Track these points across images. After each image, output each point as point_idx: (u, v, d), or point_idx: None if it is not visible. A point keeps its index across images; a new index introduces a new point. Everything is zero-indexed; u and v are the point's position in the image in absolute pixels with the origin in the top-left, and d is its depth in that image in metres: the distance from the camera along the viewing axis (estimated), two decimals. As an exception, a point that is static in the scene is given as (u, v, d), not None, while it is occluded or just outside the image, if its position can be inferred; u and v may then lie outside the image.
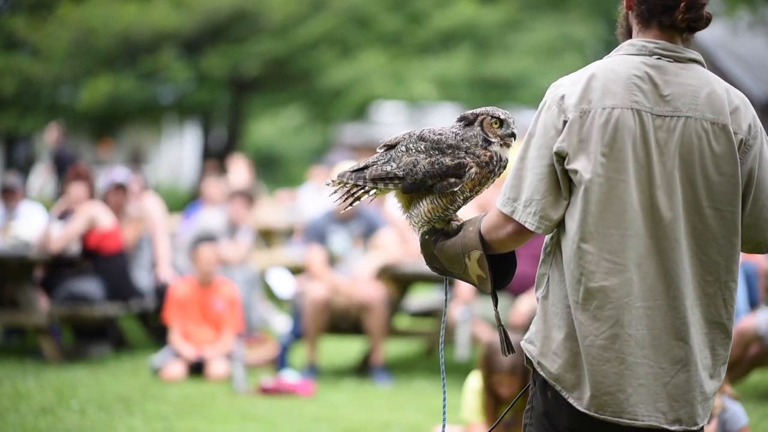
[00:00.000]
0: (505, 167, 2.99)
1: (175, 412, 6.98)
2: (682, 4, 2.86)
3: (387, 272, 8.38)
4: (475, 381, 5.50)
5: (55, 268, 9.19)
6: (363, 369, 8.44)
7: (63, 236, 8.76)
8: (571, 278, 2.81)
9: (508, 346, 3.02)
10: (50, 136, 17.35)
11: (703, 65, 2.92)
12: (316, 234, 8.41)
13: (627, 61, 2.86)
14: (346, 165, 8.35)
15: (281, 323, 10.38)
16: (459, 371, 7.86)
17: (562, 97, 2.82)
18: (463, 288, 8.01)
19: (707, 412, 2.90)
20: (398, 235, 8.49)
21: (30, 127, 22.30)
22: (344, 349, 9.54)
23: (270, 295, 12.13)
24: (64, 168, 16.63)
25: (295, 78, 22.98)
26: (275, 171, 40.18)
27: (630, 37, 2.95)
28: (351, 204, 3.07)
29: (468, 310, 7.94)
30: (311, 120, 27.74)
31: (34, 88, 20.85)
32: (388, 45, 22.82)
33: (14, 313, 8.71)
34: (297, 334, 8.52)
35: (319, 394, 7.66)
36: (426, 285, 9.54)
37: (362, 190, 3.06)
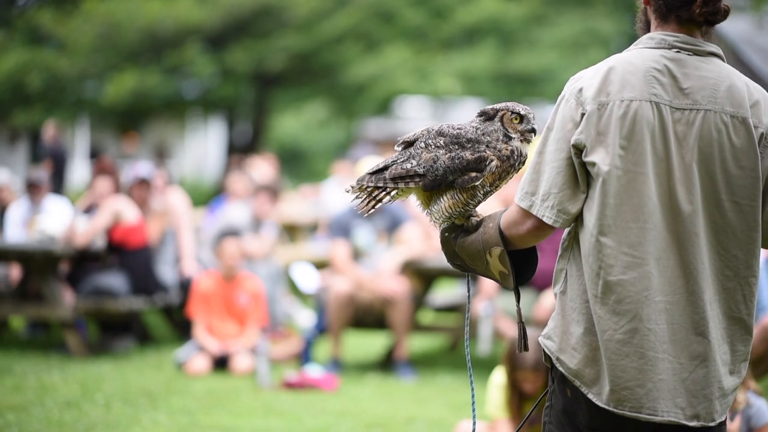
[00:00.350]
0: (524, 162, 2.97)
1: (199, 406, 6.99)
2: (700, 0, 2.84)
3: (411, 267, 8.37)
4: (499, 377, 5.49)
5: (80, 263, 9.23)
6: (387, 364, 8.43)
7: (88, 230, 8.79)
8: (589, 272, 2.79)
9: (524, 343, 3.01)
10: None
11: (722, 59, 2.90)
12: (341, 228, 8.41)
13: (646, 54, 2.84)
14: (369, 160, 8.37)
15: (305, 318, 10.39)
16: (482, 366, 7.85)
17: (580, 90, 2.81)
18: (487, 283, 8.00)
19: (725, 408, 2.87)
20: (422, 229, 8.48)
21: (56, 123, 22.40)
22: (368, 344, 9.54)
23: (294, 289, 12.15)
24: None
25: (319, 73, 23.03)
26: (299, 166, 40.23)
27: (648, 31, 2.93)
28: (373, 207, 3.05)
29: (491, 305, 7.92)
30: (335, 115, 27.78)
31: (60, 84, 20.96)
32: (413, 40, 22.82)
33: (39, 307, 8.74)
34: (321, 329, 8.52)
35: (342, 388, 7.66)
36: (450, 280, 9.52)
37: (383, 192, 3.03)
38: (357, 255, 8.43)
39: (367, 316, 8.36)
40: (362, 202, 3.05)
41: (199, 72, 20.91)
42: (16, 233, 9.78)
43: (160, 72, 20.97)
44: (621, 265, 2.77)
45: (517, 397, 5.35)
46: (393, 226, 8.46)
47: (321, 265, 12.42)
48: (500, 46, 22.70)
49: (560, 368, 2.87)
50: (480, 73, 22.18)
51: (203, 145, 38.53)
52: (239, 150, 23.38)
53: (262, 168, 12.87)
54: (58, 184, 16.04)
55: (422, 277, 8.48)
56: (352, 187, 3.07)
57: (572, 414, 2.89)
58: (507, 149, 2.94)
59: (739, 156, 2.80)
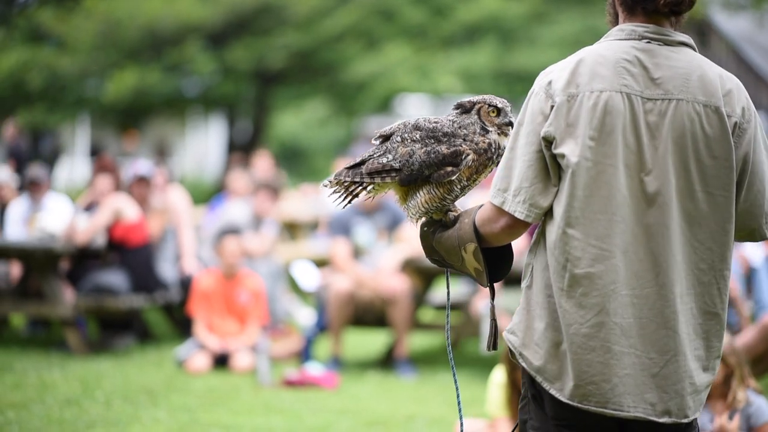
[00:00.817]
0: (502, 155, 2.94)
1: (199, 403, 7.00)
2: None
3: (411, 265, 8.37)
4: (499, 375, 5.49)
5: (81, 260, 9.23)
6: (387, 362, 8.44)
7: (89, 228, 8.79)
8: (556, 264, 2.76)
9: (494, 341, 2.97)
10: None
11: (694, 48, 2.86)
12: (341, 226, 8.41)
13: (616, 45, 2.81)
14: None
15: (305, 316, 10.39)
16: (483, 365, 7.85)
17: (550, 83, 2.78)
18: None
19: (699, 405, 2.83)
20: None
21: (56, 121, 22.41)
22: (368, 342, 9.55)
23: (294, 287, 12.14)
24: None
25: (319, 71, 23.02)
26: (299, 163, 40.22)
27: (617, 23, 2.90)
28: (349, 201, 3.05)
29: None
30: (335, 113, 27.77)
31: (61, 82, 20.96)
32: (413, 38, 22.82)
33: (40, 305, 8.75)
34: (321, 327, 8.53)
35: (343, 386, 7.67)
36: (451, 278, 9.52)
37: (360, 187, 3.03)
38: (357, 253, 8.43)
39: (368, 314, 8.37)
40: (339, 196, 3.06)
41: (199, 70, 20.91)
42: (16, 231, 9.78)
43: (161, 70, 20.97)
44: (588, 257, 2.73)
45: (517, 395, 5.34)
46: (393, 224, 8.46)
47: (321, 263, 12.43)
48: (501, 44, 22.70)
49: (523, 364, 2.83)
50: (480, 71, 22.18)
51: (203, 143, 38.54)
52: (240, 148, 23.38)
53: (262, 165, 12.86)
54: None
55: (422, 275, 8.48)
56: (330, 181, 3.06)
57: (540, 406, 2.86)
58: (484, 142, 2.92)
59: (712, 146, 2.77)
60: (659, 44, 2.81)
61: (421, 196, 2.94)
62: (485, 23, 22.62)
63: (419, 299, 8.49)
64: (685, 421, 2.81)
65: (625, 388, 2.75)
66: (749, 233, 2.87)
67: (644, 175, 2.74)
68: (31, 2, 22.47)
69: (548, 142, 2.75)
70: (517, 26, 22.89)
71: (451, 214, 2.98)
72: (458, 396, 3.18)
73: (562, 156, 2.73)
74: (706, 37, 23.98)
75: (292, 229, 13.01)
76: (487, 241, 2.87)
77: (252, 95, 23.07)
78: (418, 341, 9.60)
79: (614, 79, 2.75)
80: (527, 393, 2.89)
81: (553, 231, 2.76)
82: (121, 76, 20.07)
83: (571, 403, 2.77)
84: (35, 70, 20.31)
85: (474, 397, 7.10)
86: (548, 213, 2.78)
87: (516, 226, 2.80)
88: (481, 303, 7.98)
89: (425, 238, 3.03)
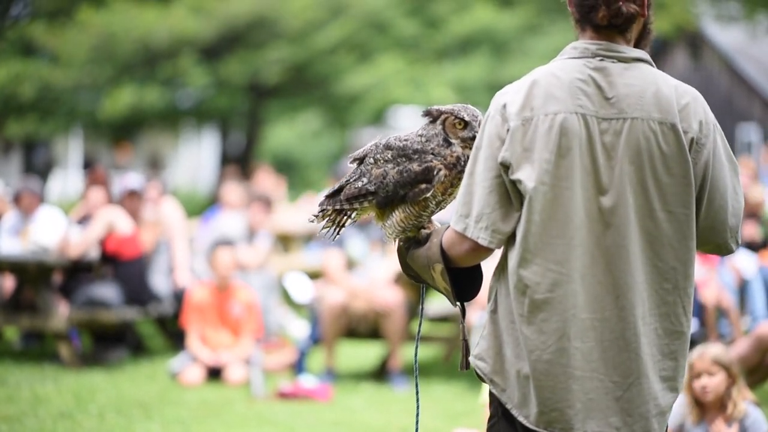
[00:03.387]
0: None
1: (193, 416, 7.00)
2: (601, 3, 2.79)
3: (405, 277, 8.37)
4: None
5: (74, 273, 9.23)
6: (381, 374, 8.45)
7: (82, 241, 8.80)
8: (515, 290, 2.74)
9: (466, 361, 2.95)
10: None
11: (650, 64, 2.83)
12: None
13: (570, 65, 2.78)
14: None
15: (299, 328, 10.40)
16: (476, 377, 7.85)
17: (504, 106, 2.75)
18: (481, 294, 8.01)
19: (663, 426, 2.80)
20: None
21: (48, 133, 22.42)
22: (362, 354, 9.56)
23: (288, 300, 12.14)
24: None
25: (313, 83, 23.06)
26: (293, 176, 40.20)
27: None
28: (338, 232, 3.04)
29: (485, 315, 7.93)
30: (329, 125, 27.81)
31: (53, 94, 20.97)
32: (406, 50, 22.89)
33: (33, 318, 8.74)
34: (315, 339, 8.53)
35: (337, 398, 7.68)
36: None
37: (345, 216, 3.02)
38: (350, 265, 8.44)
39: (361, 326, 8.38)
40: (326, 228, 3.05)
41: (193, 83, 20.95)
42: (8, 244, 9.77)
43: (155, 84, 21.01)
44: (547, 282, 2.71)
45: None
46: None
47: (315, 276, 12.43)
48: (494, 56, 22.78)
49: (494, 390, 2.81)
50: (473, 83, 22.26)
51: (197, 156, 38.58)
52: (233, 160, 23.41)
53: (262, 178, 12.87)
54: None
55: (416, 287, 8.49)
56: (316, 216, 3.05)
57: (512, 424, 2.84)
58: (452, 156, 2.89)
59: (669, 163, 2.74)
60: (612, 61, 2.78)
61: (397, 215, 2.92)
62: (478, 35, 22.71)
63: (413, 311, 8.50)
64: None
65: (589, 413, 2.73)
66: (715, 248, 2.85)
67: (601, 196, 2.71)
68: (23, 16, 22.50)
69: (505, 167, 2.71)
70: (510, 38, 22.97)
71: (424, 232, 2.95)
72: (418, 408, 3.19)
73: (519, 182, 2.70)
74: (698, 50, 24.06)
75: (285, 242, 13.02)
76: (453, 263, 2.84)
77: (245, 108, 23.12)
78: (411, 353, 9.61)
79: (569, 101, 2.72)
80: (497, 412, 2.86)
81: (512, 256, 2.74)
82: (118, 93, 20.11)
83: (537, 429, 2.75)
84: (27, 83, 20.33)
85: (468, 409, 7.12)
86: (509, 238, 2.75)
87: (479, 250, 2.78)
88: (474, 315, 7.99)
89: (401, 254, 3.01)
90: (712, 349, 5.22)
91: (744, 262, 8.98)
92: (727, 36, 21.95)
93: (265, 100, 22.88)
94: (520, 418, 2.77)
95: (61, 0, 20.80)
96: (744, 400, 5.27)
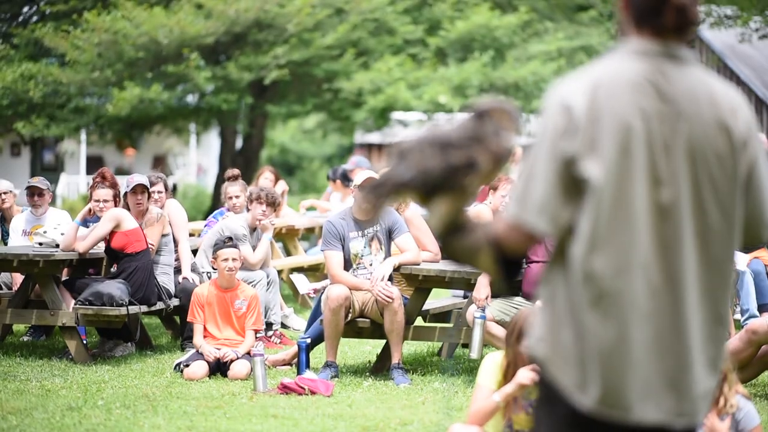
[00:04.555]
0: (512, 158, 2.99)
1: (197, 410, 7.09)
2: (670, 8, 2.89)
3: (406, 274, 8.49)
4: (497, 355, 5.42)
5: (80, 270, 9.36)
6: (381, 369, 8.54)
7: (89, 238, 8.92)
8: (581, 279, 2.83)
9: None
10: None
11: (700, 65, 2.95)
12: (335, 238, 8.49)
13: (629, 65, 2.88)
14: (363, 174, 8.48)
15: (301, 324, 10.51)
16: (473, 372, 7.95)
17: (568, 103, 2.83)
18: (478, 290, 8.15)
19: (707, 406, 2.94)
20: (417, 238, 8.60)
21: (57, 133, 22.51)
22: (363, 349, 9.66)
23: (290, 296, 12.27)
24: None
25: (315, 85, 23.16)
26: (295, 176, 40.27)
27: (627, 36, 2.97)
28: (376, 212, 3.09)
29: (482, 311, 8.05)
30: (331, 126, 27.87)
31: (62, 95, 21.08)
32: (407, 52, 22.99)
33: (41, 313, 8.86)
34: (316, 335, 8.63)
35: (338, 393, 7.75)
36: (443, 287, 9.62)
37: (384, 204, 3.04)
38: (351, 263, 8.51)
39: (362, 322, 8.48)
40: (370, 215, 3.11)
41: (198, 83, 21.04)
42: (17, 241, 9.92)
43: (161, 84, 21.12)
44: (611, 272, 2.81)
45: (512, 374, 5.27)
46: (388, 235, 8.54)
47: (317, 272, 12.56)
48: (493, 58, 22.84)
49: (549, 375, 2.89)
50: (473, 85, 22.32)
51: (201, 156, 38.62)
52: (237, 160, 23.49)
53: (266, 179, 12.93)
54: None
55: (413, 286, 8.59)
56: (367, 205, 3.07)
57: (554, 410, 2.93)
58: (496, 147, 2.92)
59: (721, 161, 2.87)
60: (671, 62, 2.89)
61: (441, 203, 2.95)
62: (478, 38, 22.78)
63: (414, 307, 8.58)
64: (698, 423, 2.93)
65: (646, 397, 2.84)
66: (750, 240, 3.00)
67: (660, 191, 2.82)
68: (31, 17, 22.59)
69: (569, 162, 2.81)
70: (509, 40, 23.04)
71: (467, 219, 2.99)
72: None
73: (585, 175, 2.79)
74: (692, 50, 24.06)
75: (288, 239, 13.11)
76: (505, 250, 2.91)
77: (249, 108, 23.19)
78: (412, 348, 9.72)
79: (630, 100, 2.82)
80: (546, 396, 2.94)
81: (577, 246, 2.83)
82: (125, 93, 20.20)
83: (594, 412, 2.84)
84: (36, 84, 20.43)
85: (467, 404, 7.19)
86: (570, 228, 2.85)
87: (534, 237, 2.86)
88: (472, 311, 8.11)
89: (443, 240, 3.03)
90: None
91: (738, 256, 9.10)
92: (720, 36, 22.01)
93: (268, 101, 22.96)
94: (578, 401, 2.85)
95: (69, 1, 20.88)
96: (736, 394, 5.39)
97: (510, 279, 3.00)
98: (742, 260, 9.34)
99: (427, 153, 2.93)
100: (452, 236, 2.99)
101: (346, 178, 13.52)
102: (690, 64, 2.93)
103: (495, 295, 8.22)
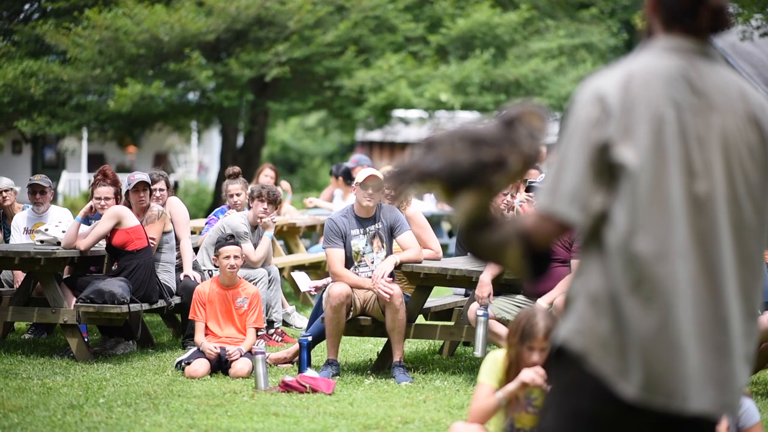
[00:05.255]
0: (540, 158, 3.01)
1: (199, 408, 7.10)
2: (706, 9, 2.93)
3: (408, 272, 8.49)
4: (499, 353, 5.42)
5: (81, 267, 9.37)
6: (382, 367, 8.55)
7: (90, 235, 8.94)
8: (620, 267, 2.84)
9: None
10: None
11: (725, 64, 3.01)
12: (337, 236, 8.50)
13: (662, 60, 2.92)
14: (365, 172, 8.47)
15: (302, 322, 10.52)
16: (474, 371, 7.96)
17: (602, 95, 2.86)
18: (481, 288, 8.14)
19: (740, 399, 2.96)
20: (418, 236, 8.60)
21: (59, 131, 22.51)
22: (364, 347, 9.67)
23: (291, 294, 12.28)
24: None
25: (316, 82, 23.16)
26: (296, 174, 40.28)
27: (651, 36, 3.00)
28: (398, 198, 3.09)
29: (485, 309, 8.05)
30: (332, 123, 27.88)
31: (63, 92, 21.08)
32: (408, 49, 22.99)
33: (43, 310, 8.87)
34: (318, 333, 8.64)
35: (339, 391, 7.76)
36: (445, 285, 9.62)
37: (408, 190, 3.05)
38: (353, 260, 8.53)
39: (364, 319, 8.49)
40: (388, 196, 3.12)
41: (199, 81, 21.05)
42: (19, 239, 9.94)
43: (162, 81, 21.12)
44: (652, 259, 2.82)
45: (514, 372, 5.28)
46: (390, 233, 8.54)
47: (318, 270, 12.57)
48: (495, 56, 22.85)
49: (589, 364, 2.88)
50: (474, 83, 22.32)
51: (202, 154, 38.63)
52: (238, 158, 23.50)
53: (267, 176, 12.95)
54: None
55: (415, 283, 8.59)
56: (387, 187, 3.11)
57: (577, 402, 2.92)
58: (528, 148, 2.93)
59: (753, 155, 2.91)
60: (702, 59, 2.93)
61: (466, 198, 2.95)
62: (479, 35, 22.78)
63: (415, 305, 8.59)
64: (736, 414, 3.02)
65: (689, 385, 2.84)
66: None
67: (695, 184, 2.85)
68: (33, 14, 22.59)
69: (604, 148, 2.83)
70: (511, 38, 23.05)
71: (494, 215, 2.99)
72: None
73: (620, 162, 2.82)
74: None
75: (290, 236, 13.12)
76: (534, 242, 2.92)
77: (251, 106, 23.20)
78: (413, 346, 9.73)
79: (664, 93, 2.85)
80: (581, 384, 2.91)
81: (615, 234, 2.84)
82: (126, 90, 20.22)
83: (638, 399, 2.84)
84: (36, 80, 20.44)
85: (468, 402, 7.20)
86: (604, 217, 2.86)
87: (565, 226, 2.87)
88: (475, 309, 8.11)
89: (468, 235, 3.03)
90: None
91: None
92: (724, 35, 22.01)
93: (269, 98, 22.97)
94: (620, 388, 2.84)
95: None
96: None
97: (538, 275, 2.99)
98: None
99: (458, 146, 2.93)
100: (478, 232, 2.99)
101: (348, 176, 13.53)
102: (718, 61, 2.98)
103: (497, 293, 8.23)
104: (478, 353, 7.95)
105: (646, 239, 2.83)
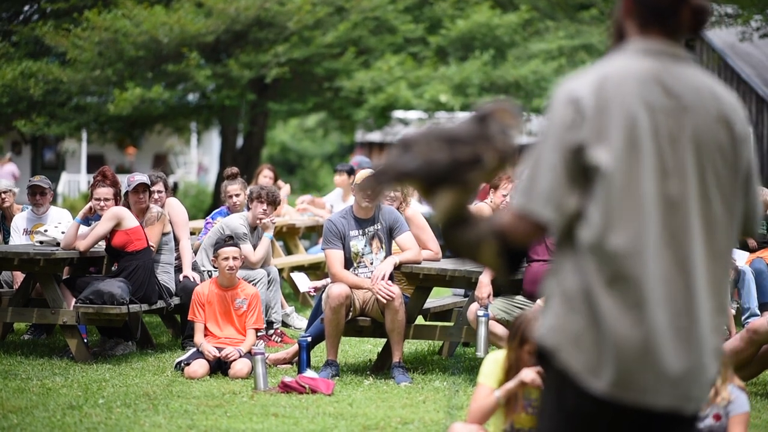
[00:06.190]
0: (516, 155, 3.01)
1: (198, 408, 7.11)
2: (687, 8, 2.97)
3: (407, 273, 8.50)
4: (499, 354, 5.44)
5: (81, 268, 9.38)
6: (382, 367, 8.55)
7: (89, 236, 8.94)
8: (595, 263, 2.87)
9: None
10: None
11: (697, 64, 3.04)
12: (336, 237, 8.50)
13: (636, 62, 2.95)
14: (365, 173, 8.47)
15: (301, 323, 10.52)
16: (474, 371, 7.96)
17: (576, 96, 2.89)
18: (481, 289, 8.15)
19: (709, 392, 3.04)
20: (417, 237, 8.61)
21: (58, 132, 22.52)
22: (364, 348, 9.67)
23: (290, 295, 12.28)
24: None
25: (316, 83, 23.17)
26: (295, 174, 40.28)
27: (621, 39, 3.04)
28: (376, 199, 3.12)
29: (486, 309, 8.06)
30: (331, 124, 27.88)
31: (62, 93, 21.09)
32: (408, 51, 23.00)
33: (42, 311, 8.87)
34: (317, 334, 8.65)
35: (338, 391, 7.77)
36: (444, 286, 9.63)
37: (386, 191, 3.08)
38: (352, 261, 8.53)
39: (363, 320, 8.49)
40: (368, 200, 3.14)
41: (198, 82, 21.07)
42: (19, 240, 9.94)
43: (162, 83, 21.14)
44: (625, 256, 2.85)
45: (514, 375, 5.28)
46: (388, 234, 8.55)
47: (317, 271, 12.57)
48: (494, 57, 22.87)
49: (562, 363, 2.91)
50: (474, 84, 22.34)
51: (202, 155, 38.65)
52: (237, 159, 23.52)
53: (265, 177, 12.95)
54: None
55: (413, 284, 8.59)
56: (368, 194, 3.13)
57: (571, 403, 2.94)
58: (502, 144, 2.95)
59: (724, 155, 2.95)
60: (674, 61, 2.97)
61: (444, 197, 2.97)
62: (479, 36, 22.80)
63: (415, 306, 8.59)
64: (702, 411, 3.02)
65: (662, 381, 2.88)
66: (745, 232, 3.09)
67: (668, 184, 2.89)
68: (32, 15, 22.61)
69: (578, 150, 2.86)
70: (510, 39, 23.06)
71: (470, 213, 3.01)
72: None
73: (595, 163, 2.85)
74: (692, 48, 24.10)
75: (289, 237, 13.13)
76: (511, 242, 2.94)
77: (250, 107, 23.22)
78: (412, 347, 9.73)
79: (638, 94, 2.89)
80: (556, 384, 2.95)
81: (589, 232, 2.87)
82: (124, 94, 20.23)
83: (609, 396, 2.87)
84: (35, 81, 20.45)
85: (467, 403, 7.20)
86: (578, 216, 2.89)
87: (540, 227, 2.90)
88: (475, 310, 8.11)
89: (445, 233, 3.05)
90: None
91: (737, 254, 9.12)
92: (720, 35, 22.00)
93: (269, 99, 22.98)
94: (591, 385, 2.87)
95: (69, 0, 20.90)
96: (729, 384, 5.44)
97: (511, 273, 3.02)
98: (742, 259, 9.36)
99: (433, 146, 2.95)
100: (455, 229, 3.02)
101: (353, 174, 13.55)
102: (689, 62, 3.02)
103: (497, 293, 8.23)
104: (480, 354, 7.95)
105: (619, 236, 2.87)
